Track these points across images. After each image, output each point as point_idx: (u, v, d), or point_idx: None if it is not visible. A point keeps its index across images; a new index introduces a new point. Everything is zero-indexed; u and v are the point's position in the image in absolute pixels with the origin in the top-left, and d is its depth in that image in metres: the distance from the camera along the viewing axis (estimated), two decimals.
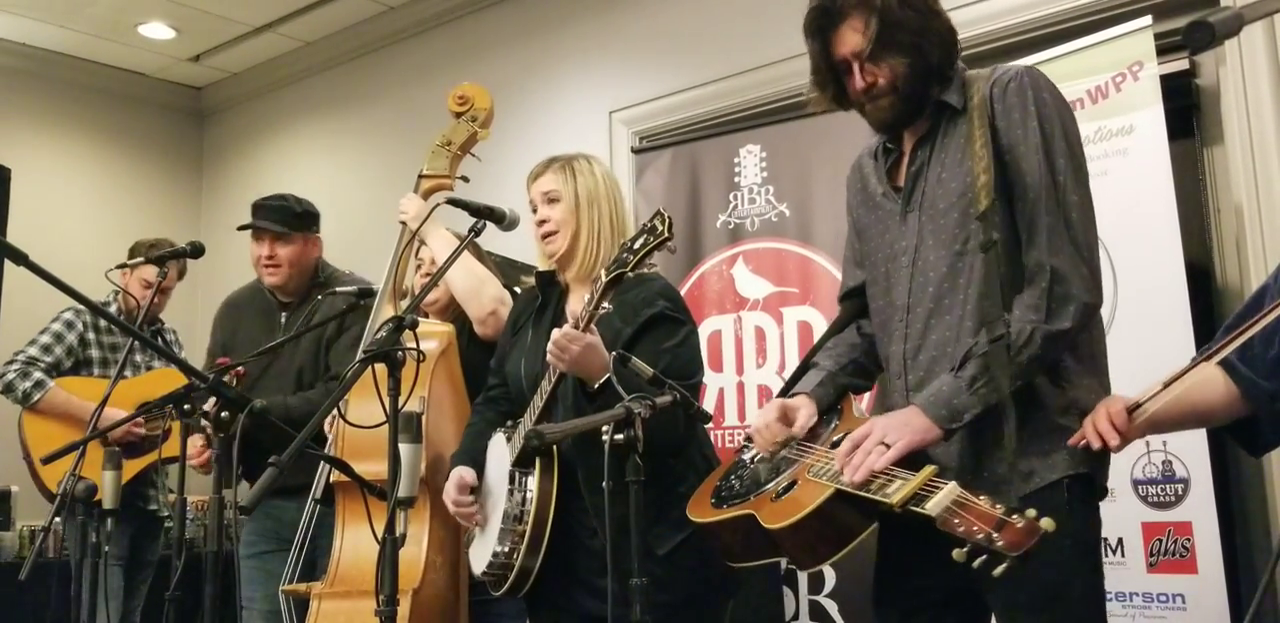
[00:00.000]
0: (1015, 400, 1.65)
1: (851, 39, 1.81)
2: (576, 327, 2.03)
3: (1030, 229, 1.73)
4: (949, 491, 1.48)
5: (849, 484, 1.62)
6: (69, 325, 3.89)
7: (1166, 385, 1.58)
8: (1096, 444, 1.62)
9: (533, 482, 2.15)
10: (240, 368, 2.91)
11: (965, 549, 1.41)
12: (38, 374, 3.73)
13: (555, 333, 2.04)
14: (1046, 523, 1.40)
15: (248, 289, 3.37)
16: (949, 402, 1.67)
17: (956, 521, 1.44)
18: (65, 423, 3.70)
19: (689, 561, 2.13)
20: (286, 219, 3.18)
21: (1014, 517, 1.40)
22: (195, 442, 3.01)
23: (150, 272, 3.69)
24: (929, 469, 1.57)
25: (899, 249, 1.87)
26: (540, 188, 2.35)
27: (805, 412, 1.89)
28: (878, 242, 1.93)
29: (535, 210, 2.37)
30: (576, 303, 2.29)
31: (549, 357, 2.07)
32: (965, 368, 1.68)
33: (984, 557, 1.39)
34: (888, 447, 1.63)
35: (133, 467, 3.64)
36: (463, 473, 2.29)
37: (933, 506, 1.47)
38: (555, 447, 2.11)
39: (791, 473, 1.79)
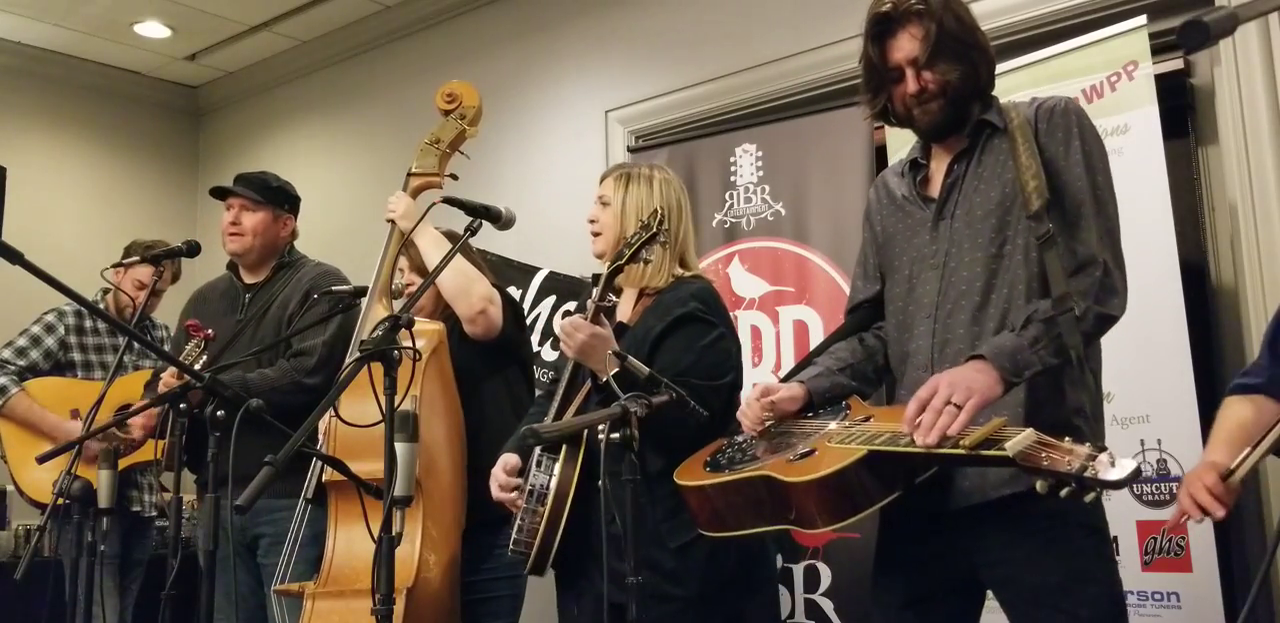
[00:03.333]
0: (1043, 393, 1.73)
1: (909, 45, 1.88)
2: (587, 317, 2.13)
3: (1075, 227, 1.79)
4: (1028, 434, 1.52)
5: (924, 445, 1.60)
6: (49, 328, 3.80)
7: (1254, 448, 1.66)
8: (1198, 517, 1.70)
9: (557, 466, 2.23)
10: (210, 332, 2.99)
11: (1049, 482, 1.45)
12: (3, 380, 3.66)
13: (561, 321, 2.14)
14: (1136, 460, 1.47)
15: (216, 280, 3.42)
16: (1013, 356, 1.69)
17: (1041, 455, 1.47)
18: (31, 430, 3.66)
19: (702, 556, 2.14)
20: (259, 189, 3.26)
21: (1104, 453, 1.45)
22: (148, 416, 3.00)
23: (144, 272, 3.68)
24: (999, 420, 1.59)
25: (928, 253, 1.95)
26: (598, 191, 2.46)
27: (785, 391, 1.94)
28: (904, 246, 2.00)
29: None
30: (625, 304, 2.39)
31: (560, 344, 2.17)
32: (1027, 329, 1.71)
33: (1071, 487, 1.43)
34: (958, 407, 1.60)
35: None
36: (508, 457, 2.36)
37: (1011, 445, 1.49)
38: (585, 433, 2.17)
39: (810, 443, 1.80)
